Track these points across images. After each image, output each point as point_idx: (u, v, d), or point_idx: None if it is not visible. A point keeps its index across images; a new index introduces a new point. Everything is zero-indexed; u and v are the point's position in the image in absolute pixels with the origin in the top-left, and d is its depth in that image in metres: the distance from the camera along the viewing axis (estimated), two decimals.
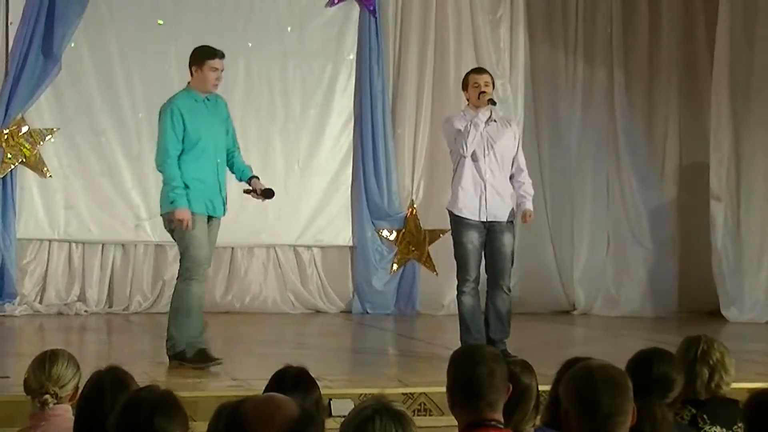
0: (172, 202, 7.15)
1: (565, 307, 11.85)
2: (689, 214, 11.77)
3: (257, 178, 7.45)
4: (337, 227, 11.30)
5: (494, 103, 7.82)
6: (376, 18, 11.32)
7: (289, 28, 11.11)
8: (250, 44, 10.96)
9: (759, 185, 11.15)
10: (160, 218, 10.58)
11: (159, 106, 10.59)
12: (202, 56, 7.29)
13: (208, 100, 7.32)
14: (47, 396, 3.96)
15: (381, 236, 11.40)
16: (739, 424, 4.00)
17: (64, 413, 3.96)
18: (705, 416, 4.05)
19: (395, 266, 11.40)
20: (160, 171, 7.28)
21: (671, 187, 11.86)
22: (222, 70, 7.32)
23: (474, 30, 11.64)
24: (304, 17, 11.23)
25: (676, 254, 11.72)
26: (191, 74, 7.34)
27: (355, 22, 11.37)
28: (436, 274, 11.45)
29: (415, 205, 11.50)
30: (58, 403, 3.98)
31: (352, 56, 11.37)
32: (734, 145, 11.17)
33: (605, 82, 11.87)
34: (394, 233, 11.42)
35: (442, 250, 11.41)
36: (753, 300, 11.09)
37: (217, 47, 10.82)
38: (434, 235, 11.45)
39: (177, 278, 7.32)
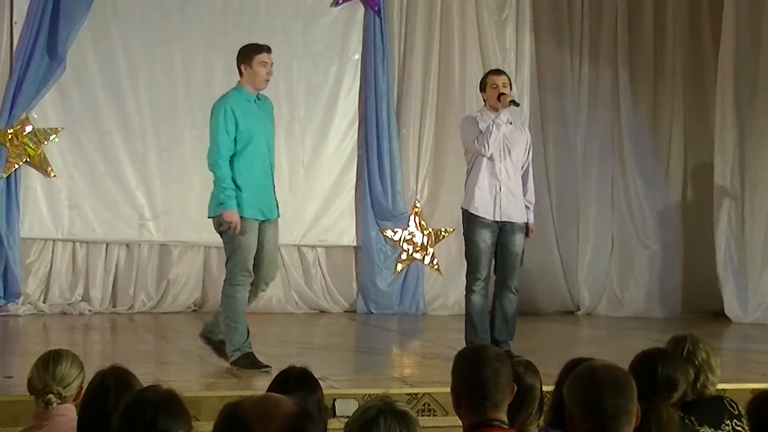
0: (221, 204, 7.06)
1: (570, 307, 11.84)
2: (694, 214, 11.76)
3: None
4: (341, 227, 11.30)
5: (517, 105, 7.90)
6: (381, 18, 11.32)
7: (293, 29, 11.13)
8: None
9: (763, 186, 11.13)
10: (164, 218, 10.74)
11: (163, 106, 10.75)
12: (250, 52, 7.23)
13: (258, 99, 7.25)
14: (51, 396, 3.96)
15: (385, 236, 11.40)
16: (726, 422, 4.01)
17: (68, 413, 3.96)
18: (693, 418, 4.05)
19: (399, 266, 11.40)
20: (212, 171, 7.16)
21: (676, 187, 11.85)
22: (271, 64, 7.24)
23: (479, 30, 11.64)
24: (308, 17, 11.23)
25: (681, 255, 11.71)
26: (240, 73, 7.24)
27: (360, 23, 11.36)
28: (440, 274, 11.45)
29: (419, 205, 11.49)
30: (61, 403, 3.98)
31: (357, 56, 11.37)
32: (739, 146, 11.16)
33: (610, 83, 11.86)
34: (399, 233, 11.41)
35: (447, 250, 11.43)
36: (757, 301, 11.08)
37: (222, 47, 10.96)
38: (439, 235, 11.45)
39: (224, 281, 7.24)
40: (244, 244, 7.10)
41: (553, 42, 11.91)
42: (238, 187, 7.07)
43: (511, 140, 7.84)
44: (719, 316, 11.15)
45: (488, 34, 11.64)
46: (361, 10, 11.36)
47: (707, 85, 11.73)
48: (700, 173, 11.77)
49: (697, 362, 4.19)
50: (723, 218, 11.16)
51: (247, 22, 11.01)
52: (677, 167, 11.87)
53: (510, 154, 7.82)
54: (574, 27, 11.96)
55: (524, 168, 7.98)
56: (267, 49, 7.26)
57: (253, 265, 7.18)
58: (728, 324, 10.80)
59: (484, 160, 7.76)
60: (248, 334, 7.18)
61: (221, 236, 7.20)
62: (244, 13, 11.03)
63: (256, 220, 7.15)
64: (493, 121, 7.72)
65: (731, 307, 11.08)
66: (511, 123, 7.93)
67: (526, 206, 7.94)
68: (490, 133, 7.68)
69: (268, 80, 7.22)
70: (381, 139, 11.30)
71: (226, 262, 7.22)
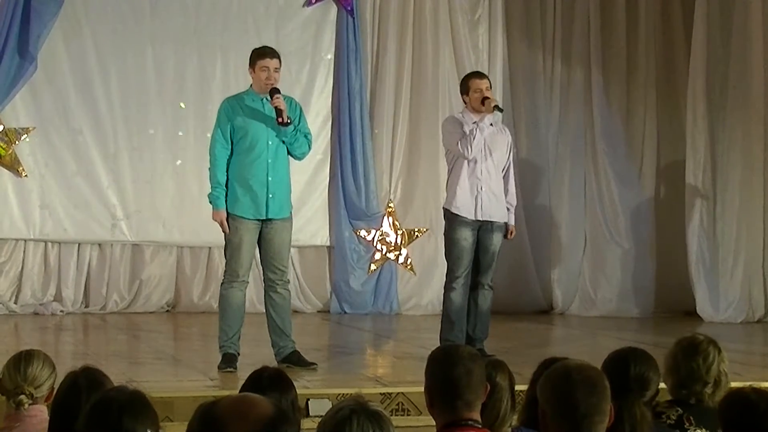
0: (210, 203, 7.20)
1: (543, 306, 11.86)
2: (667, 213, 11.81)
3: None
4: (314, 227, 11.28)
5: (501, 110, 7.93)
6: (353, 18, 11.31)
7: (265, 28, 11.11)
8: (226, 43, 10.95)
9: (734, 185, 11.19)
10: (136, 218, 10.71)
11: (135, 106, 10.74)
12: (254, 57, 7.30)
13: (268, 100, 7.23)
14: (22, 396, 3.94)
15: (359, 236, 11.39)
16: None
17: (40, 414, 3.94)
18: (691, 418, 4.05)
19: (373, 266, 11.39)
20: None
21: (649, 186, 11.90)
22: (276, 69, 7.24)
23: (452, 30, 11.65)
24: (281, 17, 11.21)
25: (654, 254, 11.75)
26: (252, 78, 7.33)
27: (333, 22, 11.36)
28: (414, 274, 11.45)
29: (392, 205, 11.49)
30: (33, 404, 3.96)
31: (330, 56, 11.36)
32: (710, 145, 11.21)
33: (583, 82, 11.89)
34: (372, 233, 11.41)
35: (421, 250, 11.43)
36: (728, 300, 11.13)
37: (194, 46, 10.94)
38: (412, 235, 11.46)
39: None
40: (232, 242, 7.18)
41: (525, 42, 11.93)
42: (234, 186, 7.13)
43: (492, 141, 7.89)
44: (691, 315, 11.21)
45: (461, 33, 11.65)
46: (334, 9, 11.35)
47: (680, 85, 11.79)
48: (672, 172, 11.81)
49: (725, 370, 4.19)
50: (695, 218, 11.22)
51: (219, 22, 10.99)
52: (650, 166, 11.92)
53: (491, 155, 7.88)
54: (547, 27, 11.99)
55: (505, 169, 8.05)
56: (270, 55, 7.29)
57: (263, 264, 7.33)
58: (700, 323, 10.84)
59: (466, 160, 7.80)
60: (236, 334, 7.18)
61: None
62: (217, 13, 11.00)
63: (252, 219, 7.16)
64: (477, 125, 7.76)
65: (703, 306, 11.13)
66: (492, 125, 7.97)
67: (507, 208, 8.01)
68: (474, 137, 7.73)
69: (268, 85, 7.21)
70: (354, 139, 11.29)
71: None
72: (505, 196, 8.02)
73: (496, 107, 7.83)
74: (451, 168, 7.98)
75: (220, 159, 7.17)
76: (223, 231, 7.20)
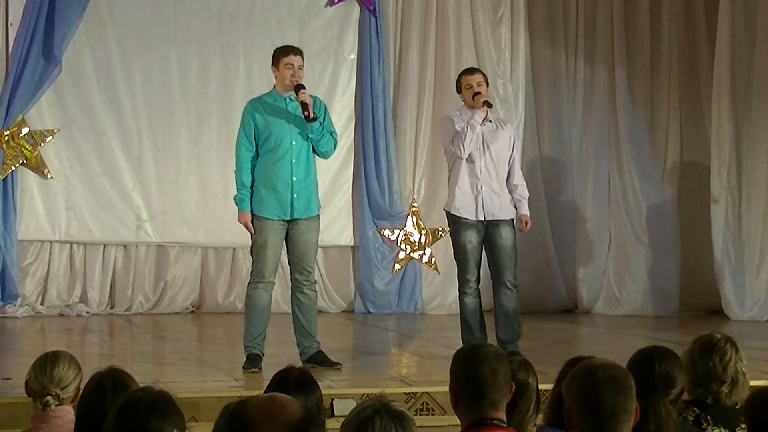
0: (236, 205, 7.22)
1: (567, 305, 11.83)
2: (691, 212, 11.76)
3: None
4: (338, 227, 11.29)
5: (490, 105, 7.84)
6: (376, 18, 11.32)
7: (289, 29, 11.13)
8: (250, 44, 10.97)
9: (760, 183, 11.13)
10: (161, 219, 10.75)
11: (159, 107, 10.78)
12: (277, 55, 7.32)
13: (291, 99, 7.25)
14: (49, 397, 3.96)
15: (382, 236, 11.39)
16: (742, 426, 3.98)
17: (66, 414, 3.96)
18: (709, 417, 4.03)
19: (397, 266, 11.39)
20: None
21: (673, 185, 11.84)
22: (300, 66, 7.26)
23: (474, 29, 11.63)
24: (304, 17, 11.23)
25: (678, 253, 11.70)
26: (275, 77, 7.35)
27: (356, 22, 11.36)
28: (438, 274, 11.44)
29: (416, 205, 11.48)
30: (59, 405, 3.97)
31: (353, 56, 11.37)
32: (735, 144, 11.15)
33: (607, 81, 11.84)
34: (396, 233, 11.40)
35: (445, 249, 11.42)
36: (754, 298, 11.08)
37: (217, 47, 10.97)
38: (436, 234, 11.45)
39: None
40: (258, 243, 7.22)
41: (548, 40, 11.90)
42: (259, 187, 7.16)
43: (489, 138, 7.79)
44: (717, 313, 11.17)
45: (483, 33, 11.63)
46: (357, 9, 11.35)
47: (703, 83, 11.74)
48: (697, 171, 11.76)
49: (743, 369, 4.17)
50: (719, 216, 11.16)
51: (242, 23, 11.02)
52: (674, 165, 11.87)
53: (490, 153, 7.76)
54: (569, 25, 11.95)
55: (510, 164, 7.93)
56: (294, 51, 7.30)
57: (290, 264, 7.38)
58: (726, 321, 10.79)
59: (464, 160, 7.73)
60: (261, 335, 7.19)
61: None
62: (240, 14, 11.03)
63: (277, 219, 7.17)
64: (467, 122, 7.68)
65: (728, 304, 11.08)
66: (490, 121, 7.87)
67: (519, 200, 7.89)
68: (465, 135, 7.64)
69: (293, 82, 7.21)
70: (377, 138, 11.30)
71: None
72: (516, 190, 7.88)
73: (485, 103, 7.75)
74: (450, 168, 7.89)
75: (245, 161, 7.19)
76: (249, 232, 7.22)
